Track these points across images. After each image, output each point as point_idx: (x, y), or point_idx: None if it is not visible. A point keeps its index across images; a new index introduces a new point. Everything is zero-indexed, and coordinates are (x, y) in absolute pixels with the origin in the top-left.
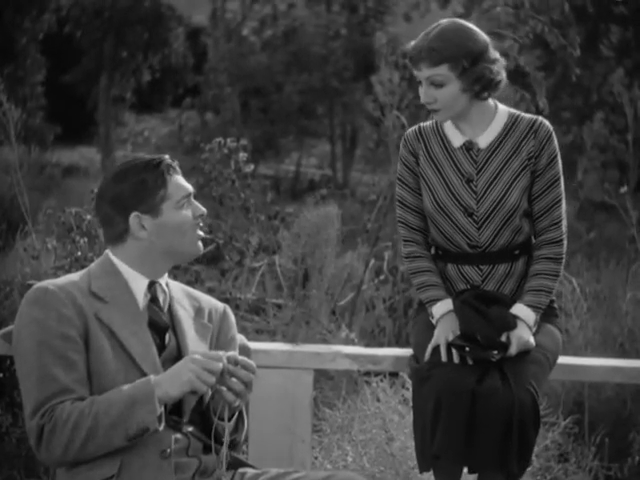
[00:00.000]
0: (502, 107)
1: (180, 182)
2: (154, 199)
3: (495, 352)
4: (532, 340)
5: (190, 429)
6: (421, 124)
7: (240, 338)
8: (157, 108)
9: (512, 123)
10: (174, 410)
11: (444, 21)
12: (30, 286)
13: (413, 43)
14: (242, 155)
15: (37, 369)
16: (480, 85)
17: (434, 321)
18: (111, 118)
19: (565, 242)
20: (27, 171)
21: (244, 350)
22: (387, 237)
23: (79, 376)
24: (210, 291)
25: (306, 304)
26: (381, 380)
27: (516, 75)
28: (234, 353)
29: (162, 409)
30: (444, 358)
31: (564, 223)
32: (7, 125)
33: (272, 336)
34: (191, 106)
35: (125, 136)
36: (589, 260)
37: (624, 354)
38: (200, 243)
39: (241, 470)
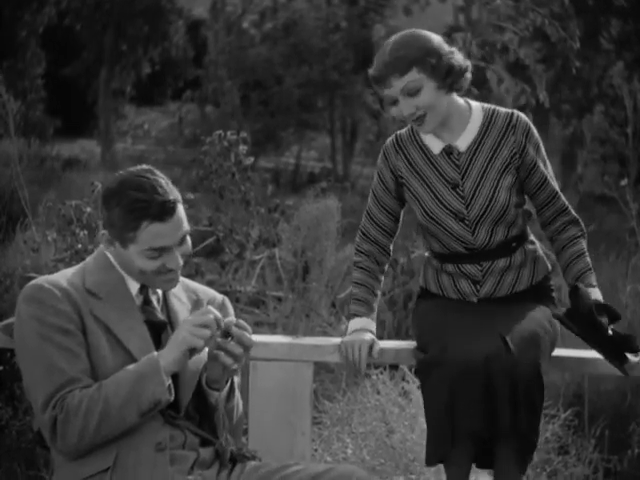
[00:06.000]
0: (475, 105)
1: (160, 232)
2: (124, 234)
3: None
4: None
5: (187, 424)
6: (398, 133)
7: None
8: (157, 101)
9: (488, 121)
10: (170, 405)
11: (392, 37)
12: (30, 278)
13: (373, 66)
14: (242, 148)
15: (42, 363)
16: (452, 77)
17: (347, 333)
18: (111, 111)
19: (578, 218)
20: (27, 164)
21: None
22: None
23: (83, 366)
24: (210, 284)
25: (306, 297)
26: (381, 373)
27: (516, 68)
28: (233, 318)
29: (170, 381)
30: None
31: (569, 206)
32: (6, 118)
33: (272, 329)
34: (191, 99)
35: (125, 129)
36: (589, 253)
37: None
38: (165, 286)
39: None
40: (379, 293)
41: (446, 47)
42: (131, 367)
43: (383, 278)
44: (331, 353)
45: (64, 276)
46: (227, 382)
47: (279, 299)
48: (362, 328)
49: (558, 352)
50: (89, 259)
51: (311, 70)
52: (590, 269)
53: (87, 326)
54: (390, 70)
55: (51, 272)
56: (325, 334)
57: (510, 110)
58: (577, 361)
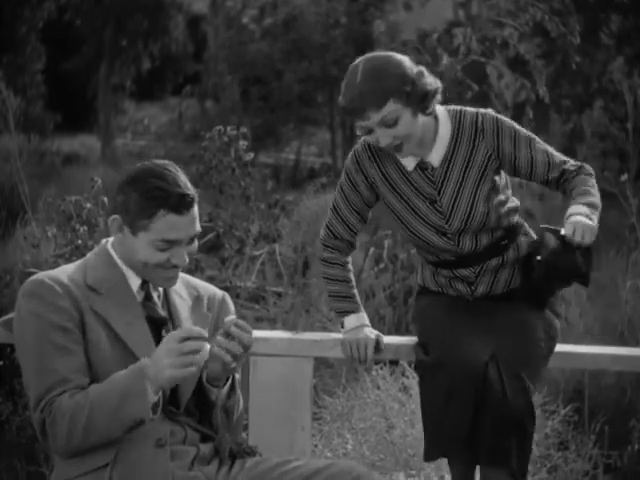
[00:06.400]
0: (441, 113)
1: (174, 224)
2: (138, 220)
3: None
4: (593, 222)
5: (187, 420)
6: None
7: None
8: (157, 96)
9: (457, 129)
10: (171, 400)
11: (358, 64)
12: (30, 274)
13: (344, 97)
14: (242, 143)
15: (36, 361)
16: (427, 102)
17: (343, 332)
18: (111, 106)
19: (584, 163)
20: (27, 159)
21: None
22: (387, 225)
23: (78, 365)
24: (210, 279)
25: (306, 292)
26: (381, 368)
27: (516, 63)
28: (233, 317)
29: (158, 397)
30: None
31: (569, 159)
32: (6, 114)
33: (272, 324)
34: (191, 94)
35: (125, 124)
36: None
37: (624, 343)
38: (164, 283)
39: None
40: (354, 283)
41: (415, 69)
42: (120, 377)
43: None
44: (331, 348)
45: (65, 272)
46: (228, 379)
47: (279, 295)
48: (361, 324)
49: (559, 348)
50: (90, 255)
51: (311, 65)
52: (583, 193)
53: (87, 322)
54: (366, 103)
55: (51, 268)
56: (325, 329)
57: (475, 111)
58: (577, 356)
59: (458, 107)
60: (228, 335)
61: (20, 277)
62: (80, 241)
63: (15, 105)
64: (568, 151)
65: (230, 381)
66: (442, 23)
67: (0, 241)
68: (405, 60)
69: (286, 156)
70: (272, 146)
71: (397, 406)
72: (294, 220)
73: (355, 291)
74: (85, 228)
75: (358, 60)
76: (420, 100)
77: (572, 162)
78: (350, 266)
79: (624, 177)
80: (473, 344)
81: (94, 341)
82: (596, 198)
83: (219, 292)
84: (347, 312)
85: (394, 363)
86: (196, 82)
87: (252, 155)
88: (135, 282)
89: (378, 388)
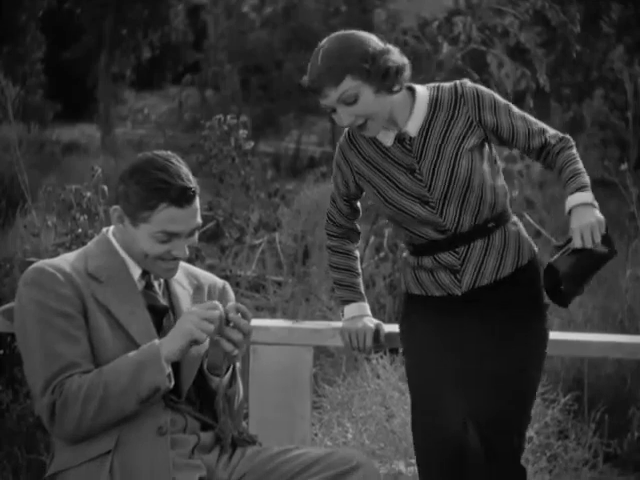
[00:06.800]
0: (419, 88)
1: (175, 217)
2: (139, 212)
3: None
4: (596, 214)
5: (188, 409)
6: (337, 121)
7: None
8: (157, 85)
9: (434, 99)
10: (171, 390)
11: (323, 42)
12: (30, 263)
13: (308, 77)
14: (242, 132)
15: (41, 347)
16: (389, 80)
17: (342, 320)
18: (111, 95)
19: (564, 134)
20: (27, 149)
21: None
22: None
23: (83, 351)
24: (210, 268)
25: (306, 281)
26: (381, 357)
27: (516, 52)
28: (234, 303)
29: (170, 368)
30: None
31: (546, 125)
32: (5, 103)
33: (272, 313)
34: (191, 83)
35: (125, 113)
36: None
37: (623, 331)
38: (164, 274)
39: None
40: (360, 272)
41: (380, 47)
42: (132, 354)
43: (359, 254)
44: (331, 337)
45: (66, 260)
46: (229, 368)
47: (279, 283)
48: (360, 314)
49: (558, 336)
50: (91, 243)
51: (311, 54)
52: (574, 175)
53: (89, 310)
54: (324, 81)
55: (51, 257)
56: (325, 318)
57: (452, 83)
58: (577, 345)
59: (434, 83)
60: (228, 322)
61: (20, 266)
62: (80, 230)
63: (14, 94)
64: None
65: (231, 370)
66: (442, 11)
67: (0, 230)
68: (368, 38)
69: (286, 145)
70: (272, 135)
71: (397, 395)
72: (294, 209)
73: (358, 280)
74: (85, 217)
75: (324, 40)
76: (382, 77)
77: (551, 132)
78: (356, 255)
79: (624, 166)
80: (450, 408)
81: (96, 329)
82: (586, 175)
83: (220, 281)
84: (348, 301)
85: (394, 352)
86: (196, 71)
87: (252, 144)
88: (136, 271)
89: (378, 377)
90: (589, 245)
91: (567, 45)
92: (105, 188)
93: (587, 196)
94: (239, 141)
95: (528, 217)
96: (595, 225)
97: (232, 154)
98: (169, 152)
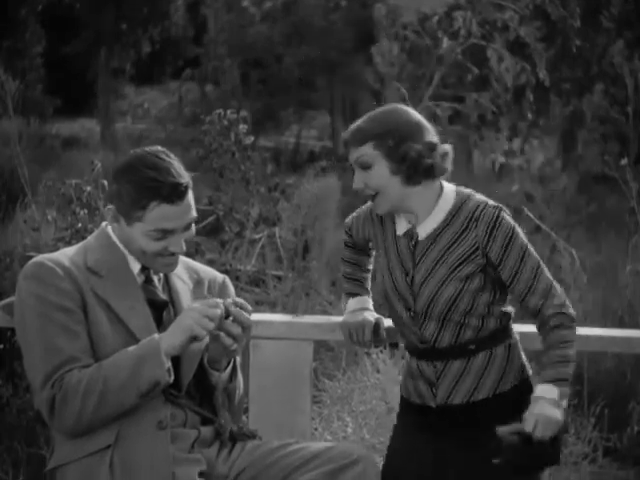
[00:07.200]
0: (448, 190)
1: (168, 214)
2: (131, 211)
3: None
4: (557, 414)
5: (188, 403)
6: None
7: None
8: (157, 80)
9: (456, 210)
10: (171, 384)
11: (384, 106)
12: (30, 257)
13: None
14: (242, 127)
15: (41, 342)
16: (407, 167)
17: (345, 312)
18: (111, 90)
19: (568, 304)
20: (27, 143)
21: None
22: None
23: (83, 345)
24: (210, 263)
25: (306, 275)
26: (381, 351)
27: (516, 46)
28: (233, 297)
29: (169, 363)
30: (367, 337)
31: (556, 288)
32: (5, 97)
33: (272, 307)
34: (191, 78)
35: (125, 108)
36: (589, 232)
37: (623, 326)
38: (163, 269)
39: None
40: (370, 268)
41: (425, 137)
42: (131, 349)
43: (373, 252)
44: (331, 331)
45: (65, 254)
46: (229, 363)
47: (279, 278)
48: (362, 307)
49: None
50: (90, 238)
51: (311, 49)
52: (554, 362)
53: (88, 304)
54: (351, 138)
55: (51, 251)
56: (325, 312)
57: (481, 201)
58: (577, 339)
59: (468, 191)
60: (228, 316)
61: (20, 260)
62: (80, 224)
63: (14, 88)
64: (568, 135)
65: (232, 364)
66: (442, 6)
67: (0, 224)
68: (416, 121)
69: (286, 139)
70: (272, 129)
71: (397, 389)
72: (294, 203)
73: (367, 275)
74: (85, 211)
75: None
76: (400, 161)
77: (556, 300)
78: (369, 253)
79: (624, 161)
80: None
81: (95, 323)
82: (571, 365)
83: (219, 275)
84: (351, 294)
85: (394, 346)
86: (196, 66)
87: (252, 139)
88: (135, 265)
89: (378, 371)
90: (538, 434)
91: (567, 40)
92: (105, 183)
93: (559, 393)
94: (239, 136)
95: (527, 211)
96: (555, 423)
97: (232, 149)
98: (159, 147)
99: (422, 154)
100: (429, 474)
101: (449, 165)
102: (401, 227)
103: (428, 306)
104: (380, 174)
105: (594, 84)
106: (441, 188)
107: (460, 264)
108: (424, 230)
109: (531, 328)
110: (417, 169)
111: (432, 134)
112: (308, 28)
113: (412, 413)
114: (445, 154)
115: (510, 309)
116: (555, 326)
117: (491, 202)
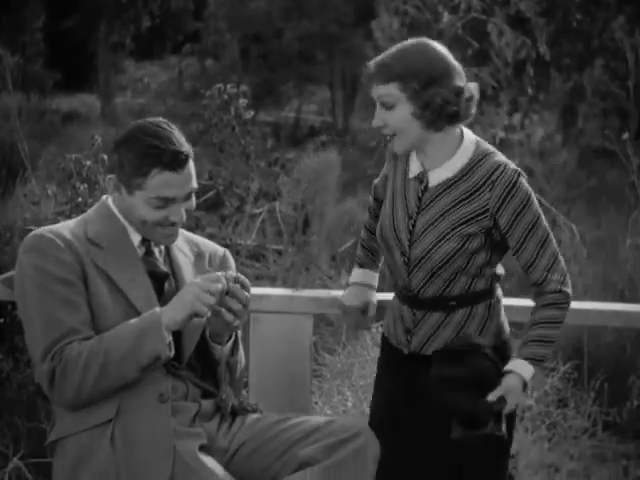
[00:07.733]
0: (468, 140)
1: (169, 181)
2: (133, 179)
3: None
4: (523, 397)
5: (189, 375)
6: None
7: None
8: (157, 55)
9: (473, 165)
10: (173, 357)
11: (412, 40)
12: (30, 231)
13: (372, 60)
14: (242, 101)
15: (41, 314)
16: (430, 112)
17: (349, 281)
18: (111, 65)
19: (567, 281)
20: (26, 118)
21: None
22: None
23: (83, 317)
24: (210, 237)
25: (306, 250)
26: (381, 325)
27: (517, 21)
28: (233, 272)
29: (170, 337)
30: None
31: (559, 262)
32: (4, 72)
33: (272, 282)
34: (191, 52)
35: (125, 83)
36: (589, 207)
37: (623, 301)
38: (164, 240)
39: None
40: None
41: (452, 82)
42: (132, 322)
43: None
44: (331, 306)
45: (66, 226)
46: (231, 337)
47: (279, 252)
48: (362, 282)
49: None
50: (90, 210)
51: (311, 23)
52: (535, 341)
53: (89, 275)
54: (376, 73)
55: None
56: (325, 287)
57: (501, 162)
58: (577, 314)
59: (491, 148)
60: (227, 292)
61: (20, 234)
62: (80, 199)
63: (12, 63)
64: (569, 109)
65: (233, 338)
66: None
67: (0, 199)
68: (444, 64)
69: (286, 114)
70: (272, 104)
71: None
72: (294, 178)
73: (377, 256)
74: (85, 186)
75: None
76: (424, 105)
77: (557, 276)
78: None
79: (625, 135)
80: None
81: (96, 294)
82: (550, 346)
83: (220, 249)
84: (359, 263)
85: None
86: (196, 40)
87: (252, 113)
88: (136, 237)
89: (378, 345)
90: (500, 408)
91: (567, 14)
92: (105, 157)
93: (530, 373)
94: (239, 110)
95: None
96: (515, 400)
97: (232, 123)
98: (161, 118)
99: (448, 100)
100: (400, 413)
101: (473, 109)
102: (414, 170)
103: (423, 257)
104: (402, 116)
105: (595, 59)
106: (462, 136)
107: (465, 222)
108: (436, 177)
109: (514, 302)
110: (440, 115)
111: (459, 76)
112: (308, 2)
113: (389, 352)
114: (470, 97)
115: (501, 271)
116: (549, 303)
117: (512, 165)
